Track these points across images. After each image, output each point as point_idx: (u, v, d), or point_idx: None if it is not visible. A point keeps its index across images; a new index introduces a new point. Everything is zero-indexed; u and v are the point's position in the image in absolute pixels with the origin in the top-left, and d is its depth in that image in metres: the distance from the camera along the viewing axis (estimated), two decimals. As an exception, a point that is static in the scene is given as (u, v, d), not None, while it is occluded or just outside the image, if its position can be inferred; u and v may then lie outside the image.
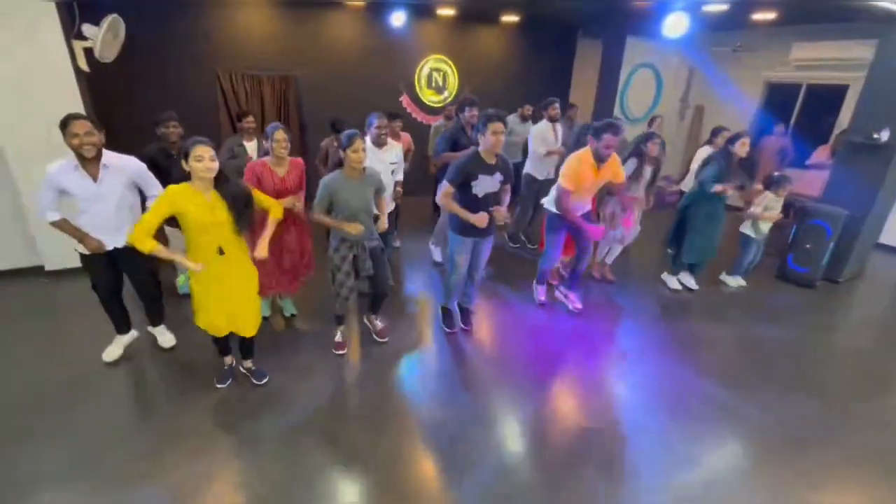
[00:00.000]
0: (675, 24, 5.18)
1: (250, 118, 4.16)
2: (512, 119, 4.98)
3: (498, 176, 2.93)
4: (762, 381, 3.08)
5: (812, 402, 2.90)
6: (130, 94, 4.95)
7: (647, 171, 3.98)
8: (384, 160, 3.50)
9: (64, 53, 3.67)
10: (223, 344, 2.70)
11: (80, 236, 2.55)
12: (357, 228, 2.70)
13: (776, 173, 4.24)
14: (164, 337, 3.15)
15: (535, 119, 5.04)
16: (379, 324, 3.34)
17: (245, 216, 2.31)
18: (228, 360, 2.81)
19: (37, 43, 3.55)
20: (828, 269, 4.58)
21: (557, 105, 4.66)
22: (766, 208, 4.19)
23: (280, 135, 2.82)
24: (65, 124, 2.36)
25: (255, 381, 2.80)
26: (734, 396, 2.90)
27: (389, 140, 3.55)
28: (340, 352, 3.12)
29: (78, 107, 3.80)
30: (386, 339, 3.29)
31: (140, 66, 4.90)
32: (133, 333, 3.08)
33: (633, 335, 3.68)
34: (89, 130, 2.39)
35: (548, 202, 3.60)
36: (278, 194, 2.90)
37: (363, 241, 2.85)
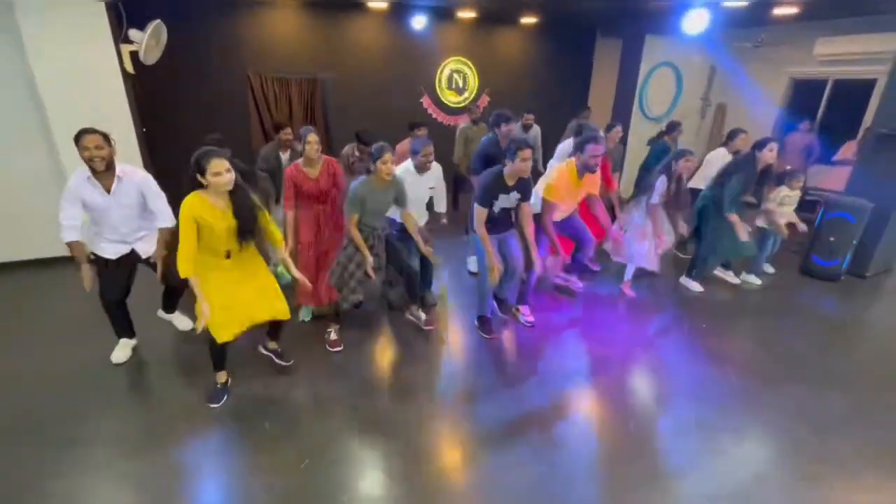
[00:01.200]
0: (696, 21, 5.21)
1: (288, 130, 4.20)
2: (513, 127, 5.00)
3: (515, 194, 3.04)
4: (787, 374, 3.07)
5: (837, 393, 2.87)
6: (170, 94, 5.27)
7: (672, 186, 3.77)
8: (423, 185, 3.40)
9: (112, 56, 3.97)
10: (223, 355, 2.57)
11: (82, 265, 2.60)
12: (370, 267, 2.84)
13: (788, 167, 4.18)
14: (182, 322, 3.28)
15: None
16: (422, 314, 3.36)
17: (250, 230, 2.31)
18: (222, 376, 2.63)
19: (89, 46, 3.86)
20: (853, 263, 4.51)
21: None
22: (781, 203, 4.16)
23: (312, 137, 2.99)
24: (77, 138, 2.44)
25: (282, 363, 2.87)
26: (760, 388, 2.90)
27: (431, 166, 3.44)
28: (337, 349, 3.08)
29: (123, 106, 4.12)
30: (433, 327, 3.36)
31: (178, 69, 5.21)
32: (135, 340, 3.05)
33: (658, 329, 3.69)
34: (99, 144, 2.44)
35: (536, 207, 3.43)
36: (316, 197, 3.09)
37: (378, 231, 2.96)
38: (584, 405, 2.75)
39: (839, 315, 3.98)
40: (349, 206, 2.83)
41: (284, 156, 4.09)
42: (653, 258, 3.89)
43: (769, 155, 3.64)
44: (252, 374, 2.83)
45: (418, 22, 6.22)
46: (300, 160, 3.08)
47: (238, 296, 2.38)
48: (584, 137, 3.31)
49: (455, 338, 3.36)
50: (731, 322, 3.77)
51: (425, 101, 6.96)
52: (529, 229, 3.15)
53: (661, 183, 3.64)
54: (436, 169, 3.48)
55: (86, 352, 3.00)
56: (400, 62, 6.60)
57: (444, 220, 3.72)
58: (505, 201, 3.03)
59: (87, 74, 3.90)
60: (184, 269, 2.19)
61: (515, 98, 6.75)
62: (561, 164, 3.54)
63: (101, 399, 2.63)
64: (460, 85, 7.15)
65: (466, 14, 6.51)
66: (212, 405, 2.56)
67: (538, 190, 3.43)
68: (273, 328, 2.80)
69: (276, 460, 2.24)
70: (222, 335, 2.35)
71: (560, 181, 3.33)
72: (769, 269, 4.54)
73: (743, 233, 3.73)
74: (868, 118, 5.92)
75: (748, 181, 3.73)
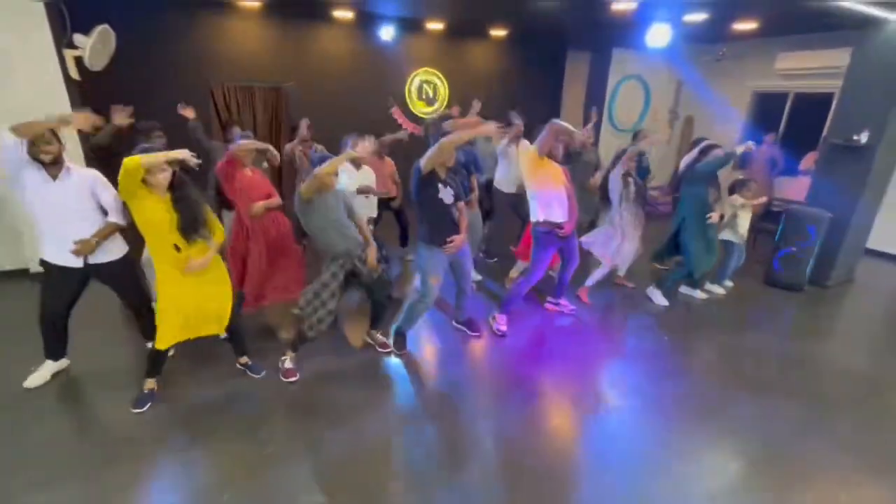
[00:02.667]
0: (658, 35, 5.29)
1: (235, 129, 4.19)
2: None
3: (449, 191, 2.92)
4: (750, 384, 3.02)
5: (794, 404, 2.84)
6: (121, 101, 5.06)
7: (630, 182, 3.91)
8: (363, 179, 3.67)
9: (55, 61, 3.79)
10: (160, 364, 2.55)
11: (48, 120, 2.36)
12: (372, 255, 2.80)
13: (740, 177, 4.23)
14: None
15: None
16: (381, 338, 3.24)
17: (189, 224, 2.30)
18: (151, 383, 2.58)
19: (28, 50, 3.69)
20: (815, 273, 4.55)
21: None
22: (742, 206, 4.17)
23: (246, 143, 3.02)
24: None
25: (253, 375, 2.84)
26: (722, 399, 2.85)
27: (364, 166, 3.71)
28: (292, 379, 2.82)
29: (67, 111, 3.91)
30: (391, 349, 3.20)
31: (132, 76, 5.03)
32: (64, 362, 2.84)
33: (618, 342, 3.64)
34: (47, 138, 2.38)
35: (534, 215, 3.41)
36: (249, 189, 3.03)
37: (356, 254, 2.77)
38: (548, 419, 2.64)
39: (801, 326, 3.97)
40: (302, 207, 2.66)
41: None
42: (622, 257, 4.00)
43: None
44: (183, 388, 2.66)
45: (386, 33, 6.18)
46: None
47: (191, 299, 2.40)
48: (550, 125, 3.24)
49: (412, 358, 3.22)
50: (696, 333, 3.72)
51: (395, 112, 6.90)
52: (464, 223, 3.06)
53: (612, 181, 3.84)
54: (370, 172, 3.71)
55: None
56: (368, 72, 6.54)
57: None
58: (446, 194, 2.89)
59: (26, 81, 3.71)
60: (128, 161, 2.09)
61: (487, 109, 6.69)
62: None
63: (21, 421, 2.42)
64: (431, 96, 7.11)
65: (435, 25, 6.50)
66: (135, 410, 2.48)
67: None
68: (232, 342, 2.81)
69: (191, 492, 2.06)
70: (164, 340, 2.40)
71: (538, 161, 3.21)
72: (728, 283, 4.54)
73: (715, 217, 3.85)
74: (827, 130, 6.06)
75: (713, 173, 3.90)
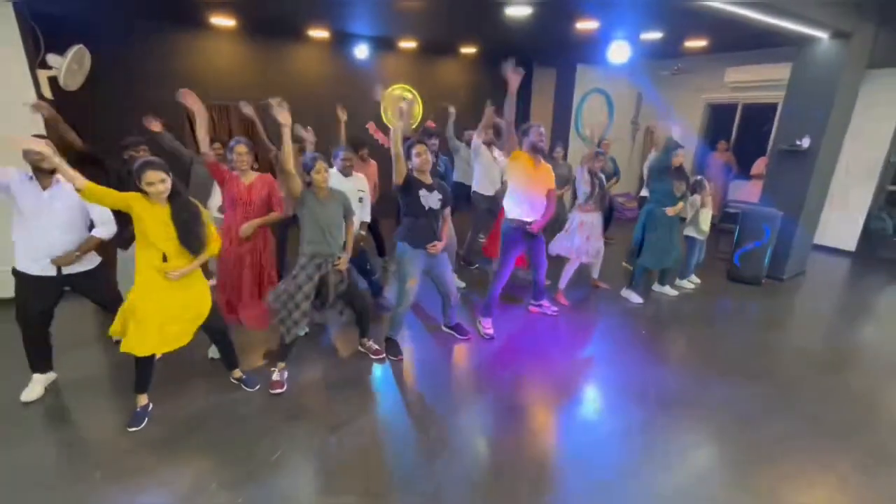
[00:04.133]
0: (619, 52, 5.68)
1: (218, 145, 4.21)
2: (458, 144, 5.20)
3: (437, 194, 3.06)
4: (719, 370, 3.26)
5: (760, 386, 3.08)
6: (96, 122, 4.99)
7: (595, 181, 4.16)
8: (351, 186, 3.57)
9: (28, 81, 3.74)
10: (148, 377, 2.53)
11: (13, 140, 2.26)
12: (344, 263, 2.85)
13: (698, 177, 4.57)
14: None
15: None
16: (373, 345, 3.30)
17: (192, 237, 2.34)
18: (143, 399, 2.56)
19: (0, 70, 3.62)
20: (771, 267, 4.92)
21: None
22: (703, 205, 4.50)
23: (241, 148, 2.93)
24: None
25: (247, 388, 2.83)
26: (691, 387, 3.06)
27: (355, 173, 3.69)
28: (278, 390, 2.82)
29: (40, 132, 3.84)
30: (383, 357, 3.26)
31: (107, 96, 4.98)
32: (52, 375, 2.82)
33: (598, 339, 3.82)
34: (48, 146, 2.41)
35: (507, 211, 3.58)
36: (240, 204, 2.96)
37: (333, 258, 2.84)
38: (531, 418, 2.77)
39: (762, 316, 4.28)
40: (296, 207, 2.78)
41: None
42: (589, 252, 4.23)
43: (675, 160, 4.23)
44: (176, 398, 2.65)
45: (361, 51, 6.34)
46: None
47: (170, 308, 2.38)
48: (526, 126, 3.48)
49: (405, 364, 3.30)
50: (667, 328, 3.97)
51: (371, 128, 7.03)
52: (447, 229, 3.24)
53: (579, 172, 4.13)
54: (362, 179, 3.72)
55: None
56: (344, 89, 6.63)
57: (363, 232, 3.81)
58: (429, 199, 3.01)
59: (-2, 101, 3.64)
60: (86, 186, 2.13)
61: (459, 123, 6.94)
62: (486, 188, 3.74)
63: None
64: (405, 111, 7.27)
65: (408, 44, 6.72)
66: (130, 429, 2.46)
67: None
68: (222, 354, 2.81)
69: (203, 500, 2.07)
70: (141, 346, 2.33)
71: (517, 161, 3.39)
72: (695, 279, 4.85)
73: (673, 211, 4.14)
74: (773, 137, 6.59)
75: (667, 167, 4.19)
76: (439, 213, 3.10)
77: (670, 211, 4.13)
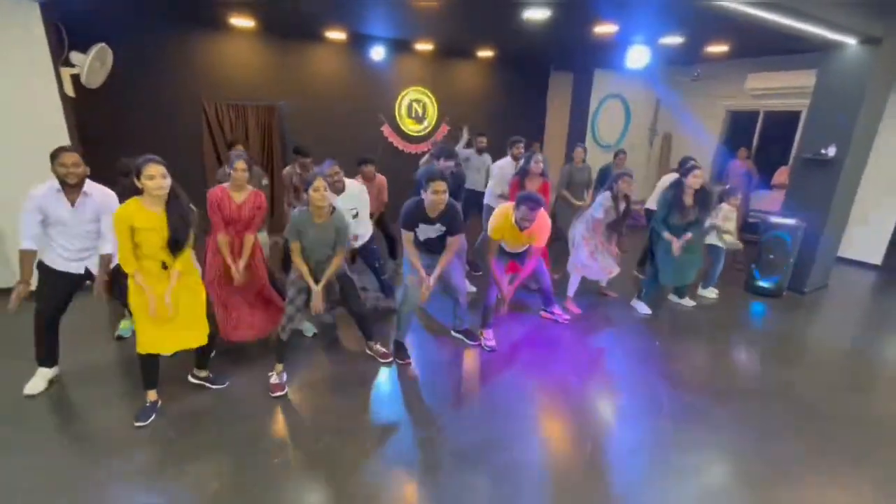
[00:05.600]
0: (637, 57, 5.59)
1: (239, 147, 4.25)
2: (469, 152, 5.22)
3: (439, 226, 3.03)
4: (732, 387, 3.15)
5: (778, 403, 2.97)
6: (116, 119, 5.09)
7: (620, 206, 4.00)
8: (342, 207, 3.43)
9: (51, 78, 3.81)
10: (154, 373, 2.55)
11: (23, 280, 2.50)
12: (318, 300, 2.79)
13: (726, 186, 4.45)
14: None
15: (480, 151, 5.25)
16: (380, 348, 3.26)
17: (182, 238, 2.34)
18: (152, 395, 2.58)
19: (26, 67, 3.70)
20: (793, 280, 4.77)
21: (521, 145, 4.76)
22: (725, 218, 4.40)
23: (240, 164, 2.93)
24: (55, 156, 2.50)
25: (216, 386, 2.82)
26: (709, 403, 2.95)
27: (348, 186, 3.55)
28: (278, 393, 2.79)
29: (62, 128, 3.93)
30: (391, 360, 3.22)
31: (127, 94, 5.06)
32: (56, 370, 2.88)
33: (609, 349, 3.73)
34: (76, 162, 2.53)
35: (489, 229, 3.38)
36: (235, 223, 2.98)
37: (323, 266, 2.85)
38: (541, 427, 2.70)
39: (781, 330, 4.14)
40: (288, 234, 2.77)
41: None
42: (595, 269, 4.09)
43: (693, 181, 3.78)
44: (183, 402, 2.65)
45: (377, 53, 6.36)
46: (227, 184, 3.01)
47: (171, 315, 2.38)
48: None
49: (411, 369, 3.26)
50: (682, 340, 3.85)
51: (385, 130, 7.04)
52: (447, 257, 3.09)
53: (603, 198, 3.91)
54: (360, 191, 3.63)
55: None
56: (359, 91, 6.69)
57: (356, 244, 3.68)
58: (428, 231, 3.03)
59: (19, 96, 3.71)
60: (127, 266, 2.29)
61: (474, 128, 6.93)
62: (500, 204, 3.54)
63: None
64: (420, 114, 7.29)
65: (424, 46, 6.72)
66: (137, 423, 2.47)
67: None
68: (200, 357, 2.77)
69: (209, 495, 2.05)
70: (141, 345, 2.39)
71: (501, 223, 3.26)
72: (715, 292, 4.73)
73: (676, 248, 3.86)
74: (796, 146, 6.42)
75: (672, 205, 3.86)
76: (440, 239, 3.08)
77: (675, 247, 3.85)
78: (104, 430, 2.50)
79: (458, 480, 2.22)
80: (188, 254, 2.45)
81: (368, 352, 3.30)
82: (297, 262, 2.78)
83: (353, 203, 3.55)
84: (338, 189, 3.45)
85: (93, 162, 4.43)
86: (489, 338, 3.54)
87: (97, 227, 2.68)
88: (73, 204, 2.57)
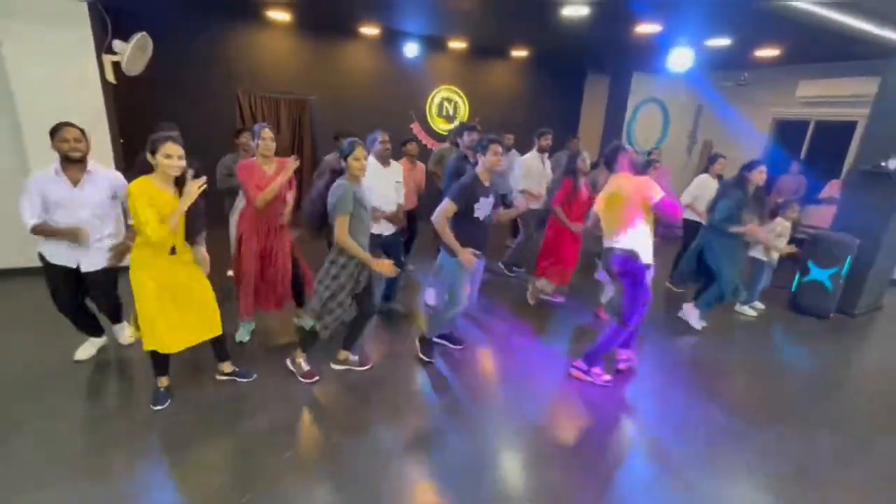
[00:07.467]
0: (680, 59, 5.34)
1: (247, 134, 4.15)
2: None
3: (491, 198, 2.89)
4: (773, 413, 2.92)
5: (823, 433, 2.73)
6: (154, 106, 5.20)
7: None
8: (390, 178, 3.48)
9: (94, 65, 3.92)
10: (164, 363, 2.53)
11: (68, 231, 2.50)
12: (387, 268, 2.63)
13: (782, 199, 4.19)
14: (124, 333, 3.11)
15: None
16: (355, 357, 3.05)
17: (196, 221, 2.33)
18: (165, 381, 2.57)
19: (71, 54, 3.82)
20: (842, 300, 4.43)
21: (550, 136, 4.64)
22: (779, 235, 4.13)
23: (266, 133, 2.89)
24: (55, 130, 2.45)
25: (243, 380, 2.77)
26: (745, 426, 2.74)
27: (392, 161, 3.58)
28: (312, 380, 2.81)
29: (103, 113, 4.04)
30: (370, 366, 3.05)
31: (164, 82, 5.18)
32: (105, 339, 2.99)
33: (647, 364, 3.52)
34: (78, 137, 2.48)
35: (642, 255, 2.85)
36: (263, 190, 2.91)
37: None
38: (565, 444, 2.55)
39: (827, 354, 3.84)
40: (340, 207, 2.47)
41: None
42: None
43: (759, 176, 3.55)
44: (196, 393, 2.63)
45: (410, 49, 6.32)
46: (256, 158, 2.97)
47: (182, 305, 2.37)
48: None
49: (432, 370, 3.17)
50: (719, 359, 3.61)
51: (415, 128, 6.99)
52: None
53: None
54: (398, 167, 3.66)
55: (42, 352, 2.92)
56: (391, 87, 6.66)
57: (401, 214, 3.61)
58: (485, 206, 2.83)
59: (66, 86, 3.84)
60: (162, 231, 2.14)
61: (505, 129, 6.80)
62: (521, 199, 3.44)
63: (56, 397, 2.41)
64: (451, 113, 7.21)
65: (458, 44, 6.64)
66: (155, 407, 2.49)
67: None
68: (217, 349, 2.71)
69: (211, 492, 2.01)
70: (164, 347, 2.36)
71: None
72: (759, 305, 4.46)
73: (761, 234, 3.74)
74: (850, 159, 6.01)
75: (741, 199, 3.56)
76: (488, 221, 2.93)
77: (738, 230, 3.53)
78: (129, 407, 2.54)
79: (476, 495, 2.10)
80: (190, 252, 2.41)
81: (333, 364, 3.01)
82: (349, 242, 2.53)
83: (398, 175, 3.62)
84: (385, 159, 3.48)
85: (127, 148, 4.59)
86: (627, 358, 3.24)
87: (108, 207, 2.64)
88: (75, 184, 2.51)
